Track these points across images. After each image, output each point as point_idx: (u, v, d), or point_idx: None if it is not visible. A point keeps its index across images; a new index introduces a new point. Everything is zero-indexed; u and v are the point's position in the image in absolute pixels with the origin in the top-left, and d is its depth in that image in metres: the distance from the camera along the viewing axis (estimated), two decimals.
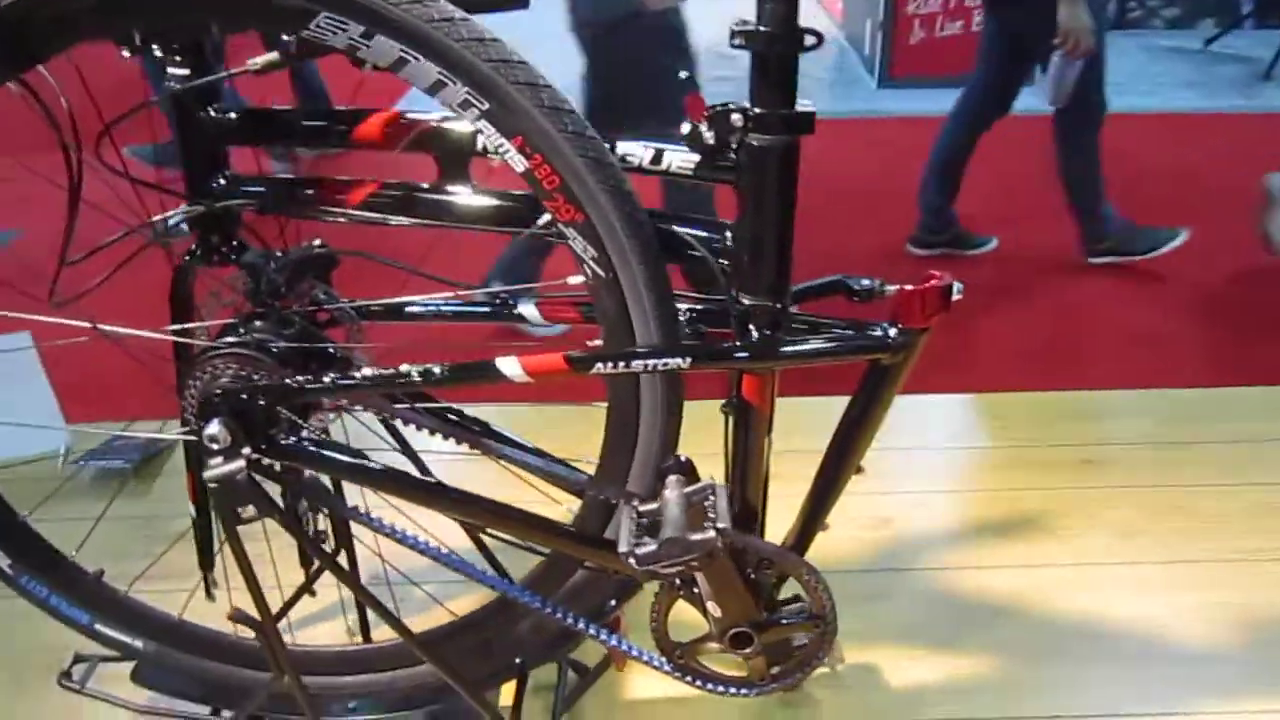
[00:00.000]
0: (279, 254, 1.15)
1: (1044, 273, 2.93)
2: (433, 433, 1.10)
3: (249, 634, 1.12)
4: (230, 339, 1.08)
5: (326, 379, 1.02)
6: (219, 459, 1.03)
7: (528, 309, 1.15)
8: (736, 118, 0.96)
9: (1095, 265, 2.91)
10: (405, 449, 1.29)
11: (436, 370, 1.01)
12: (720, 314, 1.11)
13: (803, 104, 0.96)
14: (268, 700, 1.27)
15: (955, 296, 1.02)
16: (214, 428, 1.02)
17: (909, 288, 1.02)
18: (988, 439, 1.98)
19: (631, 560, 0.98)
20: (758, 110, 0.96)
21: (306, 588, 1.34)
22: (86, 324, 1.12)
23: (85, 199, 1.10)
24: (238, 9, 0.95)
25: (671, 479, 1.04)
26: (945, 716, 1.34)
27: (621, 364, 1.00)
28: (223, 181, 1.17)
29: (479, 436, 1.13)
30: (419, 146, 1.09)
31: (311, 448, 1.06)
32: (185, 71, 1.12)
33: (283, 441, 1.05)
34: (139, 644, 1.29)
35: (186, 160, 1.17)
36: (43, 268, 1.12)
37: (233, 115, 1.14)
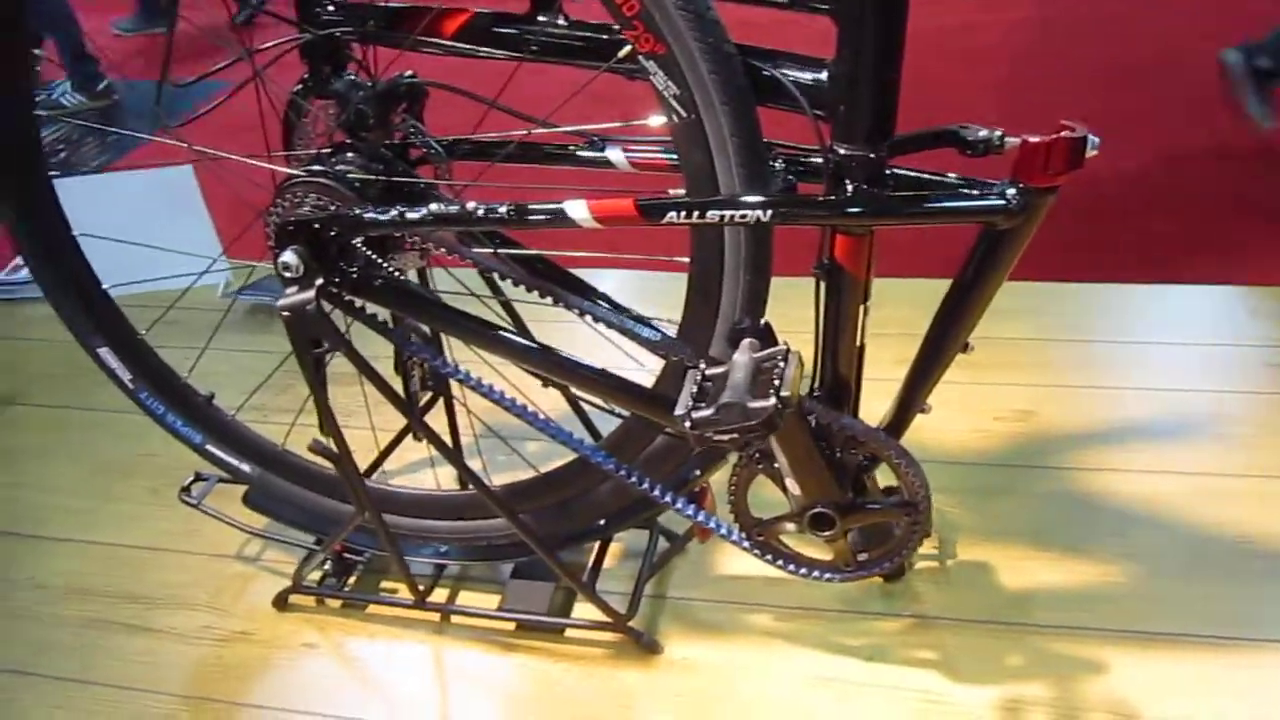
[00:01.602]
0: (369, 84, 1.11)
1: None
2: (505, 278, 1.06)
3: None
4: (313, 168, 1.07)
5: (392, 212, 0.99)
6: (293, 288, 1.03)
7: (615, 154, 1.08)
8: None
9: None
10: (498, 297, 1.26)
11: (501, 209, 0.96)
12: (818, 166, 1.01)
13: None
14: (364, 536, 1.30)
15: (1090, 152, 0.87)
16: (288, 256, 1.02)
17: (1033, 139, 0.88)
18: (1160, 332, 1.76)
19: (685, 424, 0.92)
20: None
21: (408, 432, 1.35)
22: (183, 144, 1.13)
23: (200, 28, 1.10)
24: None
25: (745, 343, 0.96)
26: (1058, 623, 1.22)
27: (695, 213, 0.92)
28: (330, 8, 1.14)
29: (559, 287, 1.08)
30: None
31: (383, 284, 1.04)
32: None
33: (355, 276, 1.04)
34: (245, 468, 1.34)
35: None
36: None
37: None
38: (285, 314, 1.02)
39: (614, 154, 1.08)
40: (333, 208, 1.04)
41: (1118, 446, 1.49)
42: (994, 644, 1.21)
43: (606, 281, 1.20)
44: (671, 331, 1.06)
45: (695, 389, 0.94)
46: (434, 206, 0.98)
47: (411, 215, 0.98)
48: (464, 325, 1.05)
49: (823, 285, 1.00)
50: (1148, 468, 1.43)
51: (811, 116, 0.92)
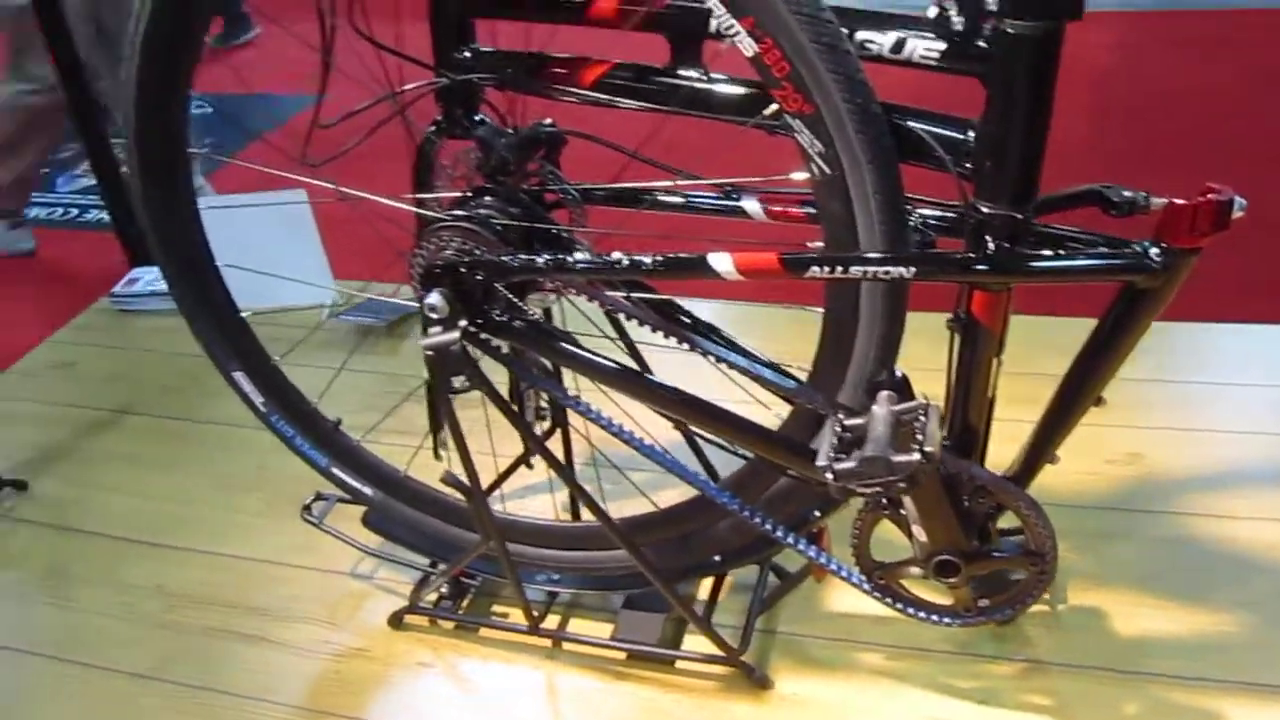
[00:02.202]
0: (511, 130, 1.15)
1: None
2: (643, 323, 1.09)
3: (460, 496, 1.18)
4: (457, 212, 1.10)
5: (540, 260, 1.02)
6: (437, 328, 1.07)
7: (751, 204, 1.10)
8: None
9: None
10: (624, 339, 1.29)
11: (647, 260, 0.99)
12: (955, 222, 1.02)
13: None
14: (479, 560, 1.34)
15: (1236, 214, 0.88)
16: (433, 298, 1.05)
17: (1179, 201, 0.89)
18: (1269, 375, 1.74)
19: (828, 475, 0.94)
20: None
21: (524, 460, 1.38)
22: (329, 184, 1.17)
23: (340, 68, 1.14)
24: None
25: (882, 394, 0.97)
26: (1174, 672, 1.22)
27: (839, 269, 0.94)
28: (468, 55, 1.18)
29: (690, 331, 1.11)
30: (652, 26, 1.05)
31: (523, 326, 1.08)
32: None
33: (497, 318, 1.07)
34: (368, 491, 1.39)
35: (434, 32, 1.19)
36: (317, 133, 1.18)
37: None
38: (429, 353, 1.06)
39: (749, 204, 1.10)
40: (476, 251, 1.07)
41: (1232, 491, 1.47)
42: (1110, 691, 1.21)
43: (702, 310, 1.22)
44: (790, 373, 1.09)
45: (835, 440, 0.96)
46: (580, 256, 1.02)
47: (558, 264, 1.02)
48: (603, 368, 1.08)
49: (956, 336, 1.02)
50: (1265, 514, 1.42)
51: (957, 176, 0.94)
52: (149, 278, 2.20)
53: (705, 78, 1.05)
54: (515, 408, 1.26)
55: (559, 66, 1.13)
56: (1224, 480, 1.50)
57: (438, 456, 1.46)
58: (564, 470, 1.16)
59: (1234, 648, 1.25)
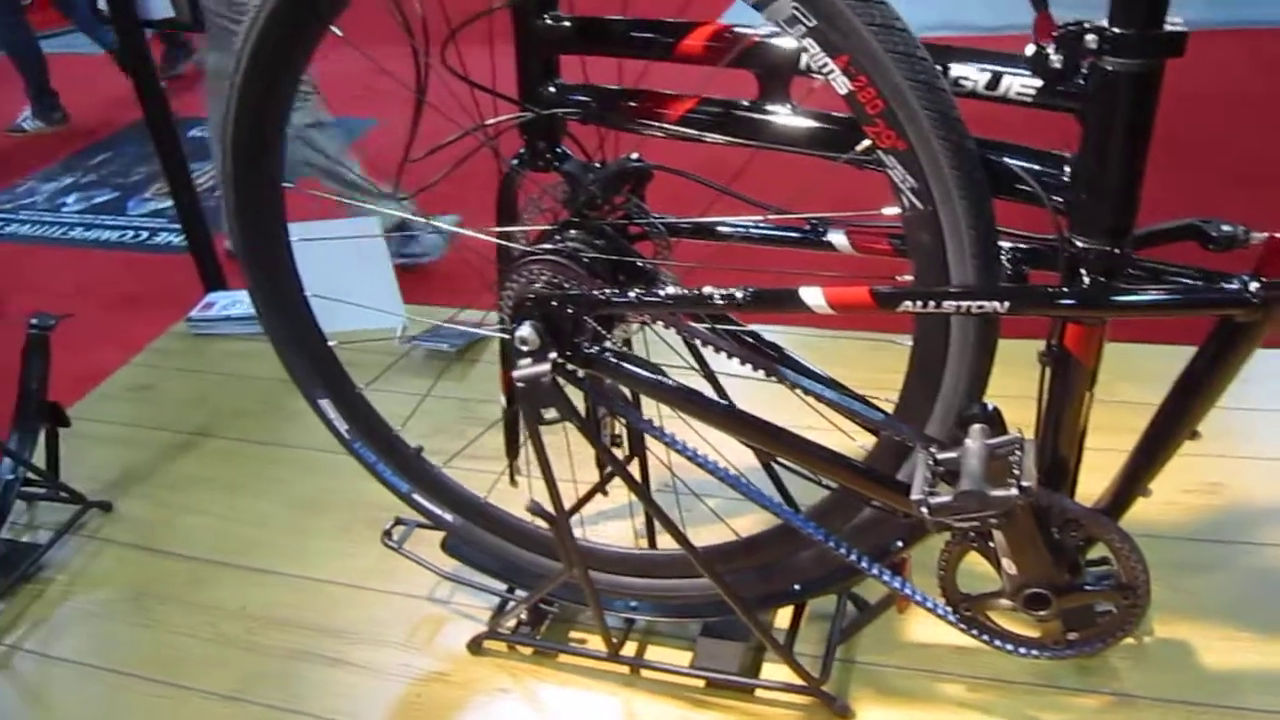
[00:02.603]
0: (598, 165, 1.17)
1: None
2: (730, 355, 1.10)
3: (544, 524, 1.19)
4: (547, 246, 1.12)
5: (632, 294, 1.04)
6: (527, 360, 1.08)
7: (837, 237, 1.11)
8: (1091, 38, 0.86)
9: None
10: (704, 369, 1.30)
11: (739, 294, 1.00)
12: (1047, 255, 1.02)
13: (1172, 22, 0.84)
14: (562, 589, 1.35)
15: None
16: (525, 330, 1.07)
17: None
18: None
19: (923, 510, 0.94)
20: (1116, 30, 0.85)
21: (600, 488, 1.40)
22: (420, 219, 1.20)
23: (429, 100, 1.17)
24: None
25: (975, 428, 0.97)
26: (1259, 707, 1.20)
27: (931, 303, 0.94)
28: (552, 89, 1.20)
29: (775, 363, 1.12)
30: (741, 63, 1.06)
31: (612, 359, 1.09)
32: None
33: (586, 350, 1.09)
34: (448, 517, 1.41)
35: (520, 67, 1.21)
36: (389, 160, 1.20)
37: (566, 23, 1.16)
38: (520, 385, 1.08)
39: (836, 237, 1.11)
40: (566, 284, 1.09)
41: None
42: None
43: (785, 338, 1.23)
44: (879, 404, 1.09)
45: (929, 473, 0.96)
46: (672, 291, 1.03)
47: (649, 298, 1.03)
48: (696, 400, 1.09)
49: (1048, 369, 1.02)
50: None
51: (1052, 211, 0.94)
52: (224, 302, 2.25)
53: (795, 113, 1.06)
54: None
55: (645, 101, 1.15)
56: None
57: (514, 483, 1.48)
58: (649, 499, 1.17)
59: None
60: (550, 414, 1.10)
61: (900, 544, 1.17)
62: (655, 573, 1.33)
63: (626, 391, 1.27)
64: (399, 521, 1.51)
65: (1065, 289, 0.95)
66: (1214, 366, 0.97)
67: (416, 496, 1.40)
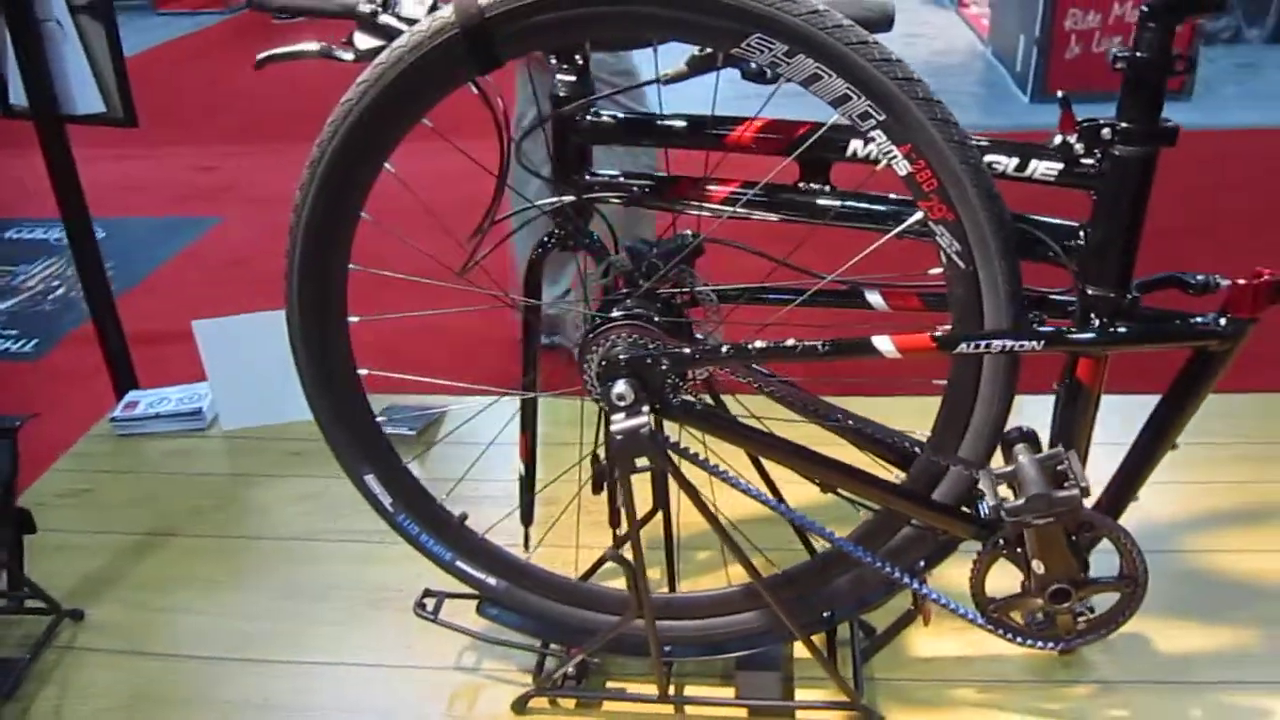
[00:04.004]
0: (658, 242, 1.31)
1: None
2: (791, 402, 1.25)
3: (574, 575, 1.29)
4: (621, 313, 1.25)
5: (724, 348, 1.18)
6: (621, 415, 1.20)
7: (874, 297, 1.30)
8: (1106, 131, 1.10)
9: None
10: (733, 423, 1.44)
11: (819, 345, 1.17)
12: (1052, 304, 1.25)
13: (1165, 120, 1.09)
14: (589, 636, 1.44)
15: None
16: (621, 387, 1.19)
17: (1241, 281, 1.14)
18: (1219, 436, 2.04)
19: (1002, 515, 1.12)
20: (1124, 125, 1.10)
21: (668, 545, 1.51)
22: (507, 298, 1.30)
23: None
24: (680, 26, 1.10)
25: (1019, 447, 1.17)
26: (1215, 679, 1.44)
27: (983, 344, 1.14)
28: (588, 177, 1.34)
29: (825, 406, 1.28)
30: (786, 151, 1.25)
31: (700, 408, 1.23)
32: (572, 78, 1.30)
33: (678, 401, 1.22)
34: (491, 581, 1.47)
35: (558, 157, 1.35)
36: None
37: (610, 119, 1.31)
38: (619, 438, 1.19)
39: (873, 297, 1.30)
40: (652, 344, 1.22)
41: (1217, 532, 1.75)
42: (1173, 701, 1.42)
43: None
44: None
45: (993, 488, 1.15)
46: (759, 343, 1.18)
47: (739, 351, 1.18)
48: (774, 444, 1.24)
49: (1061, 398, 1.24)
50: (1249, 548, 1.70)
51: (1072, 270, 1.17)
52: (149, 400, 2.20)
53: (838, 193, 1.25)
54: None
55: (687, 185, 1.31)
56: (1209, 523, 1.77)
57: (526, 549, 1.57)
58: (731, 542, 1.29)
59: (1263, 659, 1.48)
60: (641, 463, 1.22)
61: (924, 563, 1.34)
62: (704, 613, 1.45)
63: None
64: (429, 593, 1.55)
65: (1084, 329, 1.17)
66: (1191, 388, 1.21)
67: (459, 564, 1.46)
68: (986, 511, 1.19)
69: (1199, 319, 1.17)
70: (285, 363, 2.01)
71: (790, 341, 1.18)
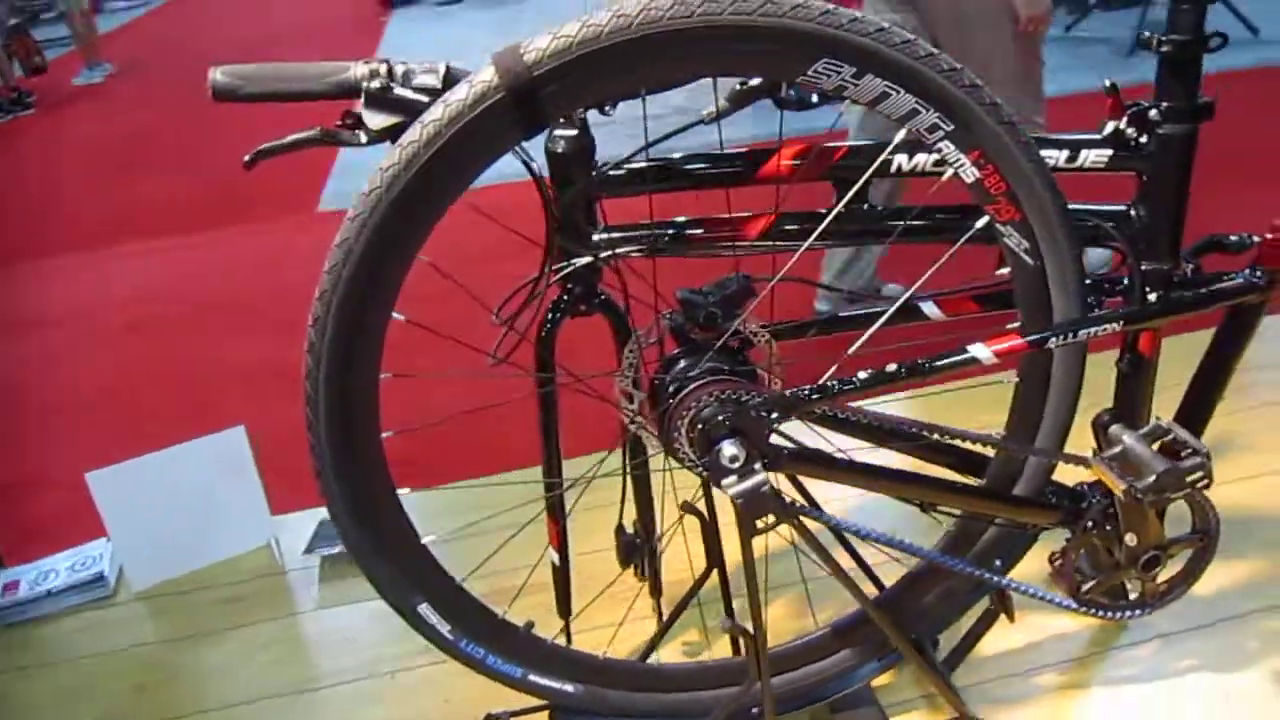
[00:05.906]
0: (711, 291, 1.24)
1: None
2: (877, 427, 1.23)
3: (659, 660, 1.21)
4: (693, 369, 1.17)
5: (833, 385, 1.13)
6: (733, 478, 1.12)
7: (929, 308, 1.29)
8: (1154, 113, 1.14)
9: None
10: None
11: (921, 362, 1.14)
12: (1094, 287, 1.28)
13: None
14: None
15: None
16: (730, 448, 1.11)
17: (1270, 236, 1.22)
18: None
19: (1137, 495, 1.13)
20: (1166, 105, 1.14)
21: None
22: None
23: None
24: (746, 61, 1.04)
25: (1115, 428, 1.20)
26: (1255, 608, 1.54)
27: (1070, 335, 1.15)
28: (602, 235, 1.26)
29: (902, 428, 1.26)
30: (824, 176, 1.22)
31: (808, 453, 1.17)
32: (572, 132, 1.22)
33: (787, 451, 1.15)
34: (569, 688, 1.34)
35: (562, 218, 1.25)
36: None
37: (618, 171, 1.23)
38: (740, 500, 1.11)
39: (928, 308, 1.29)
40: (744, 396, 1.15)
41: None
42: (1228, 637, 1.49)
43: None
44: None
45: (1113, 473, 1.16)
46: (862, 375, 1.14)
47: (847, 385, 1.13)
48: (881, 474, 1.20)
49: (1122, 372, 1.28)
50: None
51: (1128, 250, 1.20)
52: (32, 576, 1.88)
53: (884, 211, 1.23)
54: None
55: (718, 227, 1.26)
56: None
57: (569, 640, 1.46)
58: (862, 595, 1.24)
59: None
60: (765, 523, 1.14)
61: (1000, 562, 1.35)
62: (789, 666, 1.38)
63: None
64: (491, 718, 1.40)
65: (1149, 303, 1.21)
66: (1237, 339, 1.28)
67: (532, 677, 1.32)
68: (1094, 499, 1.20)
69: (1239, 276, 1.23)
70: (196, 501, 1.81)
71: (891, 366, 1.14)
